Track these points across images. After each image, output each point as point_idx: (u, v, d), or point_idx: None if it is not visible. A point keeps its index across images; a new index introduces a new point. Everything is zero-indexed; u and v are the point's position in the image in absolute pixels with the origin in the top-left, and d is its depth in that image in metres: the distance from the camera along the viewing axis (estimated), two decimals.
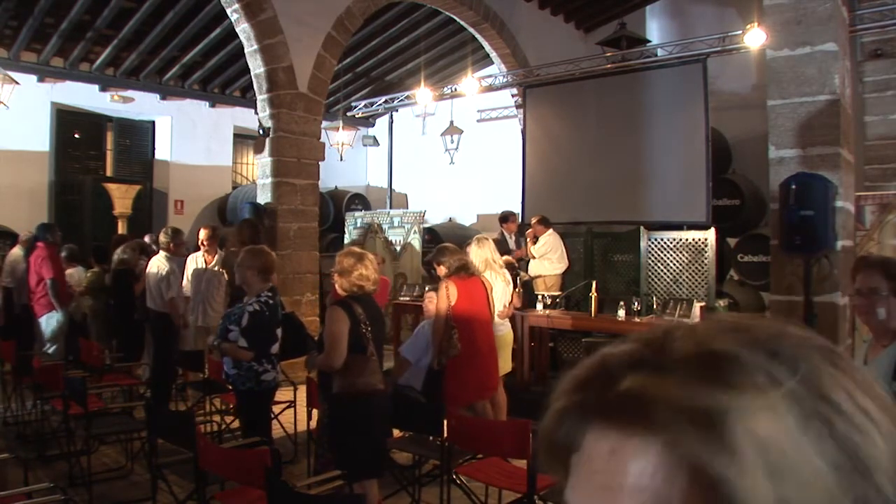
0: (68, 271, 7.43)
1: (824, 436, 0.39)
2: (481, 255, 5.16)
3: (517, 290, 6.05)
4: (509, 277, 5.58)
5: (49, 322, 6.83)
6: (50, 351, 6.74)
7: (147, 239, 8.29)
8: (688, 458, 0.38)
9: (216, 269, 6.54)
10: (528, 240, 7.89)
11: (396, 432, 4.26)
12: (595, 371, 0.44)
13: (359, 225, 10.28)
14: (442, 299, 4.55)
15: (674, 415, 0.39)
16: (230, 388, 4.32)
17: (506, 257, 6.57)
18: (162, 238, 6.48)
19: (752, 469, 0.37)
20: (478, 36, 10.26)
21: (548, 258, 7.70)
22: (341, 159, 10.90)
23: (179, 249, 6.61)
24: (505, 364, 5.27)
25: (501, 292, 5.26)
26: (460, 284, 4.58)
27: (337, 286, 3.55)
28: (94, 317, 7.58)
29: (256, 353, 3.83)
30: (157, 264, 6.33)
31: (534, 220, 7.84)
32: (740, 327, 0.43)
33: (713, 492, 0.37)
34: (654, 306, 6.32)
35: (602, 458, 0.41)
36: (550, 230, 7.76)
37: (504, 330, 5.33)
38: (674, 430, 0.38)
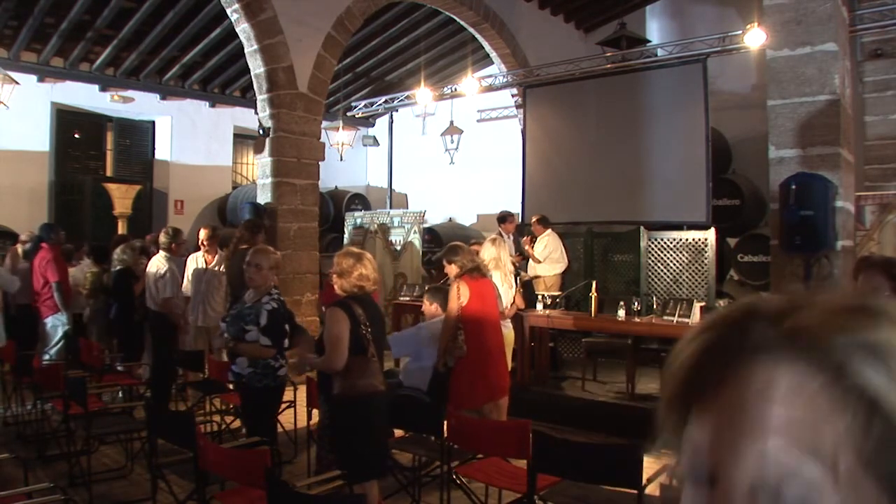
0: (69, 270, 7.42)
1: None
2: (493, 253, 5.16)
3: (518, 290, 6.05)
4: (512, 280, 5.57)
5: (55, 324, 6.83)
6: (52, 352, 6.73)
7: (148, 238, 8.28)
8: (862, 388, 0.38)
9: (216, 269, 6.54)
10: (527, 241, 7.87)
11: (397, 432, 4.26)
12: (746, 314, 0.44)
13: (357, 225, 10.26)
14: (453, 299, 4.47)
15: (852, 345, 0.39)
16: (231, 387, 4.31)
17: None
18: (162, 238, 6.47)
19: None
20: (478, 36, 10.26)
21: (548, 258, 7.70)
22: (341, 159, 10.89)
23: (180, 249, 6.60)
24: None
25: (503, 293, 5.26)
26: (472, 285, 4.51)
27: (336, 287, 3.53)
28: (93, 317, 7.57)
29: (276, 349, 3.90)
30: (157, 264, 6.33)
31: (533, 220, 7.83)
32: (872, 295, 0.44)
33: (885, 426, 0.38)
34: (654, 306, 6.31)
35: (762, 390, 0.41)
36: (549, 230, 7.76)
37: (506, 330, 5.32)
38: (851, 359, 0.39)
